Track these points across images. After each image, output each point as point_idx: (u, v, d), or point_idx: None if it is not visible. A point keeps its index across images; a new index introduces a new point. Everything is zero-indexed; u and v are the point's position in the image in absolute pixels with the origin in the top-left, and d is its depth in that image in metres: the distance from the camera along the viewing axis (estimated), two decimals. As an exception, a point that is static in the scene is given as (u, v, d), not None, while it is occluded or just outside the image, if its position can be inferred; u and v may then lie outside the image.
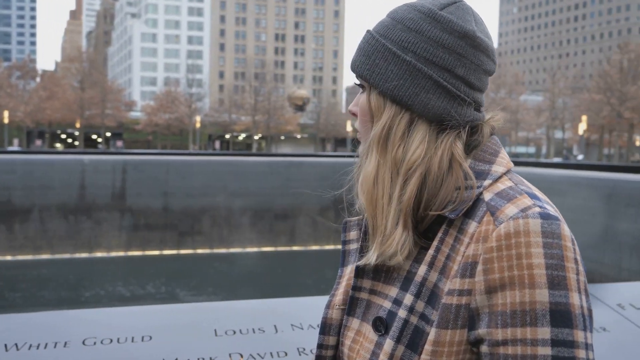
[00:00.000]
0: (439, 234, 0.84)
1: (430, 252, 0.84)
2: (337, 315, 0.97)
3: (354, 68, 0.93)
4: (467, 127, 0.88)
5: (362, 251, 0.93)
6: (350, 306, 0.93)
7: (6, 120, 46.13)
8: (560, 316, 0.73)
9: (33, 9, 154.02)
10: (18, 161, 20.73)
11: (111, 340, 1.66)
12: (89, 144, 59.17)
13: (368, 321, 0.90)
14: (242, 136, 64.23)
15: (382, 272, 0.90)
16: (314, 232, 22.27)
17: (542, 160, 42.60)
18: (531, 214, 0.77)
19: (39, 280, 16.59)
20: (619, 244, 10.55)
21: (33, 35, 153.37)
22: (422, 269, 0.84)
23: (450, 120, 0.86)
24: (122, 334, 1.72)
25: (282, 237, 21.86)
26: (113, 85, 58.75)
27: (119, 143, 54.75)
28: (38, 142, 54.17)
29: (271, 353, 1.65)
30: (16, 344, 1.65)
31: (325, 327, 0.98)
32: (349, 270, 1.00)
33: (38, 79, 56.98)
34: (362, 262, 0.91)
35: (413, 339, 0.81)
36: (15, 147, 45.67)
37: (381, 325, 0.86)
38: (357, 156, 0.99)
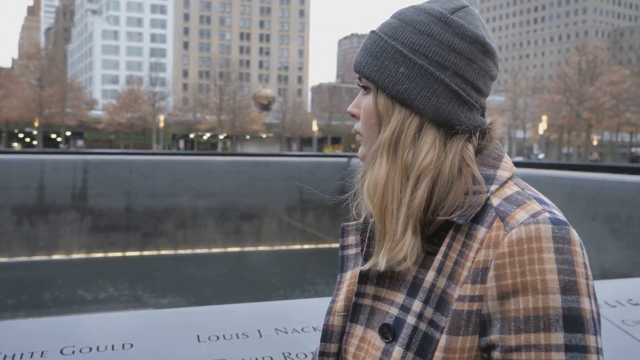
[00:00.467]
0: (447, 240, 0.83)
1: (438, 257, 0.83)
2: (339, 322, 0.96)
3: (359, 69, 0.91)
4: (477, 132, 0.89)
5: (367, 257, 0.91)
6: (354, 313, 0.92)
7: (-40, 119, 44.59)
8: (573, 321, 0.73)
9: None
10: (-27, 161, 20.02)
11: (90, 349, 1.60)
12: (49, 143, 57.63)
13: (373, 328, 0.88)
14: (206, 135, 63.60)
15: (386, 278, 0.89)
16: (280, 232, 22.22)
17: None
18: (542, 220, 0.77)
19: (-4, 284, 16.09)
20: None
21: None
22: (430, 275, 0.83)
23: (461, 125, 0.86)
24: (101, 342, 1.66)
25: (248, 237, 21.74)
26: (73, 83, 57.39)
27: (80, 142, 53.47)
28: (-6, 142, 52.54)
29: (256, 358, 1.63)
30: (-11, 356, 1.61)
31: (326, 335, 0.96)
32: (348, 276, 0.98)
33: (-6, 77, 55.21)
34: (367, 267, 0.89)
35: (422, 346, 0.81)
36: (-30, 147, 44.16)
37: (388, 332, 0.85)
38: (351, 157, 0.96)
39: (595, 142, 56.14)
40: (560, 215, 0.79)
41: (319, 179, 22.92)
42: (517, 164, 20.64)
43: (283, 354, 1.65)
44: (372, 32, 0.91)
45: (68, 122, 52.34)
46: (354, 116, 0.95)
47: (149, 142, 56.62)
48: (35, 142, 56.87)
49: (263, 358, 1.63)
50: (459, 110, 0.86)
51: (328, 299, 2.31)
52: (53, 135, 59.25)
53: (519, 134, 60.39)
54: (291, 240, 22.39)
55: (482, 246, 0.79)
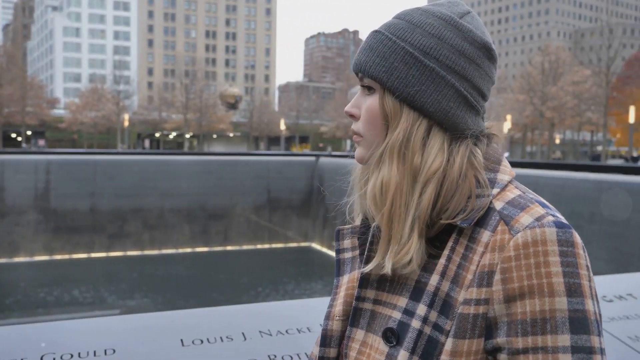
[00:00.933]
0: (450, 243, 0.83)
1: (442, 261, 0.83)
2: (338, 326, 0.95)
3: (364, 69, 0.89)
4: (484, 137, 0.90)
5: (368, 260, 0.89)
6: (354, 317, 0.91)
7: None
8: (579, 323, 0.74)
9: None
10: None
11: (72, 355, 1.55)
12: (9, 143, 56.05)
13: (375, 332, 0.88)
14: (172, 135, 62.81)
15: (386, 282, 0.89)
16: (248, 231, 22.14)
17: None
18: (546, 223, 0.77)
19: (-46, 288, 15.61)
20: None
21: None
22: (434, 279, 0.83)
23: (469, 129, 0.87)
24: (83, 348, 1.61)
25: (215, 237, 21.60)
26: (33, 82, 55.96)
27: (42, 142, 52.16)
28: (-50, 141, 50.82)
29: (242, 361, 1.63)
30: (-34, 365, 1.55)
31: (325, 339, 0.95)
32: (346, 280, 0.97)
33: (-51, 74, 53.37)
34: (369, 270, 0.88)
35: (427, 350, 0.81)
36: None
37: (392, 336, 0.84)
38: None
39: (557, 141, 57.50)
40: (562, 218, 0.80)
41: (287, 178, 22.92)
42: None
43: (269, 356, 1.63)
44: (377, 32, 0.90)
45: (29, 121, 51.00)
46: (353, 116, 0.93)
47: (113, 141, 55.60)
48: (-6, 142, 55.25)
49: (248, 361, 1.62)
50: (467, 114, 0.87)
51: (311, 300, 2.32)
52: (13, 135, 57.69)
53: (484, 133, 61.12)
54: (259, 239, 22.33)
55: (487, 250, 0.79)
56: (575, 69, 47.55)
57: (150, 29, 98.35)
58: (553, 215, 0.79)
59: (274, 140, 65.41)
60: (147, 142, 58.12)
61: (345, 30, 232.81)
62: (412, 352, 0.81)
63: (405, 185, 0.84)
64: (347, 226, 1.02)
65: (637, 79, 41.73)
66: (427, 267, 0.84)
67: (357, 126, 0.92)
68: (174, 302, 14.90)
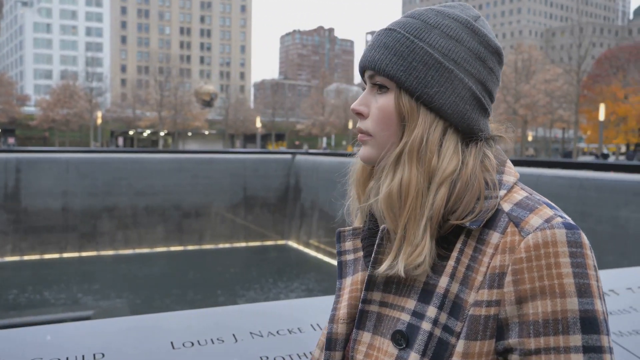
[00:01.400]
0: (458, 245, 0.84)
1: (451, 263, 0.83)
2: (342, 329, 0.94)
3: (379, 66, 0.87)
4: (494, 139, 0.91)
5: (376, 262, 0.88)
6: (360, 319, 0.90)
7: None
8: (589, 323, 0.76)
9: None
10: None
11: (59, 360, 1.52)
12: (-24, 141, 54.82)
13: (382, 334, 0.87)
14: (147, 132, 62.10)
15: (392, 284, 0.88)
16: (224, 230, 22.00)
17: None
18: (556, 225, 0.78)
19: None
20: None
21: None
22: (443, 281, 0.83)
23: (482, 132, 0.88)
24: (71, 353, 1.57)
25: (191, 235, 21.41)
26: (3, 78, 54.80)
27: (11, 140, 51.03)
28: None
29: (234, 363, 1.62)
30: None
31: (331, 343, 0.94)
32: (349, 282, 0.97)
33: None
34: (382, 272, 0.86)
35: (437, 352, 0.81)
36: None
37: (402, 339, 0.84)
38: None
39: (530, 138, 58.43)
40: (569, 219, 0.81)
41: (263, 176, 22.84)
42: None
43: (260, 357, 1.62)
44: (392, 29, 0.89)
45: (-2, 118, 49.95)
46: (360, 114, 0.91)
47: (86, 139, 54.71)
48: (-39, 140, 53.91)
49: (241, 363, 1.61)
50: (480, 117, 0.88)
51: (300, 301, 2.31)
52: (-19, 133, 56.39)
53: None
54: (235, 238, 22.21)
55: (498, 251, 0.80)
56: (547, 67, 48.37)
57: (123, 25, 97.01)
58: (561, 217, 0.80)
59: (249, 138, 65.15)
60: (120, 140, 57.40)
61: (321, 27, 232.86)
62: (423, 354, 0.81)
63: (421, 187, 0.84)
64: (347, 228, 1.01)
65: (607, 77, 42.56)
66: (435, 269, 0.84)
67: (365, 125, 0.91)
68: (149, 302, 14.74)
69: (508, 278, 0.78)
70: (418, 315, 0.83)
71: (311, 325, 1.82)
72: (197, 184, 21.74)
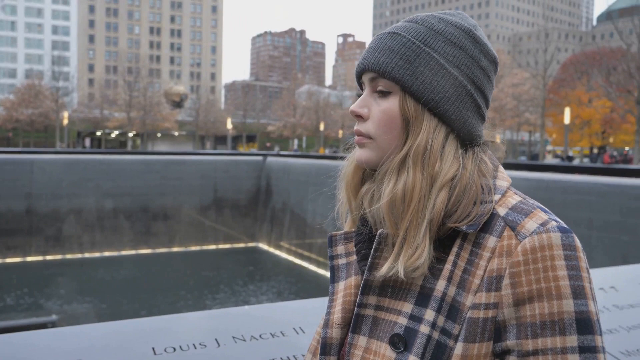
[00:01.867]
0: (455, 249, 0.85)
1: (448, 266, 0.85)
2: (337, 334, 0.95)
3: (384, 69, 0.88)
4: (489, 145, 0.94)
5: (372, 267, 0.89)
6: (356, 324, 0.91)
7: None
8: (584, 324, 0.78)
9: None
10: None
11: (38, 368, 1.49)
12: (-64, 141, 53.19)
13: (379, 338, 0.88)
14: (115, 133, 61.13)
15: (388, 288, 0.89)
16: (194, 232, 21.77)
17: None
18: (551, 228, 0.80)
19: None
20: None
21: None
22: (440, 284, 0.84)
23: (478, 137, 0.91)
24: None
25: (160, 238, 21.13)
26: (-35, 77, 53.37)
27: (-27, 140, 49.76)
28: None
29: (217, 368, 1.61)
30: None
31: (325, 347, 0.95)
32: (342, 287, 0.98)
33: None
34: (382, 275, 0.87)
35: (436, 354, 0.82)
36: None
37: (399, 342, 0.85)
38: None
39: (497, 140, 59.30)
40: (563, 223, 0.83)
41: (234, 177, 22.69)
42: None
43: None
44: (396, 33, 0.90)
45: (-41, 118, 48.59)
46: (360, 117, 0.91)
47: (51, 140, 53.57)
48: None
49: (223, 368, 1.61)
50: (478, 123, 0.91)
51: (281, 304, 2.29)
52: (-58, 133, 54.78)
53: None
54: (206, 240, 22.01)
55: (495, 255, 0.81)
56: (514, 71, 49.26)
57: (91, 24, 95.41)
58: (555, 221, 0.82)
59: (220, 140, 64.69)
60: (87, 141, 56.44)
61: (292, 29, 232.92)
62: (422, 357, 0.82)
63: (423, 192, 0.86)
64: (339, 232, 1.02)
65: (572, 82, 43.49)
66: (432, 272, 0.85)
67: (365, 127, 0.91)
68: (116, 307, 14.46)
69: (506, 281, 0.80)
70: (415, 318, 0.85)
71: (294, 328, 1.82)
72: (167, 185, 21.49)
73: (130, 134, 57.39)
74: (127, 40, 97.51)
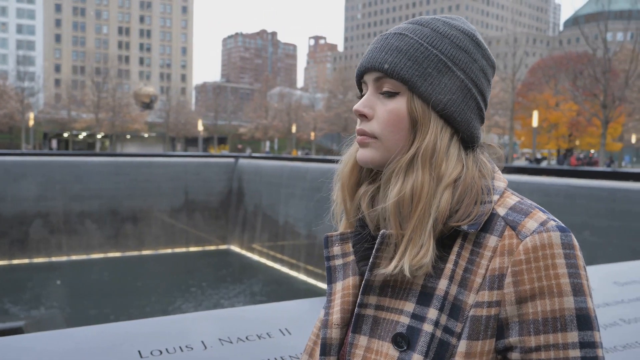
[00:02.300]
0: (455, 248, 0.87)
1: (449, 265, 0.86)
2: (337, 334, 0.95)
3: (392, 69, 0.88)
4: (487, 147, 0.96)
5: (373, 267, 0.89)
6: (356, 323, 0.92)
7: None
8: (584, 320, 0.80)
9: None
10: None
11: (21, 374, 1.46)
12: None
13: (381, 338, 0.89)
14: (83, 135, 60.03)
15: (388, 288, 0.90)
16: (164, 235, 21.53)
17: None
18: (551, 228, 0.83)
19: None
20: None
21: None
22: (442, 283, 0.86)
23: (479, 139, 0.93)
24: None
25: (130, 241, 20.83)
26: None
27: None
28: None
29: (203, 371, 1.61)
30: None
31: (325, 348, 0.95)
32: (339, 287, 0.98)
33: None
34: (388, 273, 0.87)
35: (439, 352, 0.84)
36: None
37: (403, 341, 0.86)
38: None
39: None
40: (561, 222, 0.86)
41: (205, 180, 22.51)
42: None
43: None
44: (403, 34, 0.90)
45: None
46: (364, 116, 0.91)
47: (17, 141, 52.32)
48: None
49: (210, 370, 1.61)
50: (479, 126, 0.93)
51: (267, 306, 2.26)
52: None
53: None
54: (177, 243, 21.79)
55: (496, 254, 0.83)
56: (484, 74, 49.89)
57: (58, 23, 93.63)
58: (554, 220, 0.84)
59: (191, 141, 64.06)
60: (54, 143, 55.30)
61: (264, 31, 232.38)
62: (426, 355, 0.83)
63: (430, 192, 0.87)
64: (335, 233, 1.02)
65: (540, 86, 44.27)
66: (433, 272, 0.87)
67: (370, 127, 0.91)
68: (84, 312, 14.18)
69: (508, 279, 0.82)
70: (418, 317, 0.86)
71: (280, 330, 1.83)
72: (136, 188, 21.20)
73: (99, 136, 56.46)
74: (95, 40, 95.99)
